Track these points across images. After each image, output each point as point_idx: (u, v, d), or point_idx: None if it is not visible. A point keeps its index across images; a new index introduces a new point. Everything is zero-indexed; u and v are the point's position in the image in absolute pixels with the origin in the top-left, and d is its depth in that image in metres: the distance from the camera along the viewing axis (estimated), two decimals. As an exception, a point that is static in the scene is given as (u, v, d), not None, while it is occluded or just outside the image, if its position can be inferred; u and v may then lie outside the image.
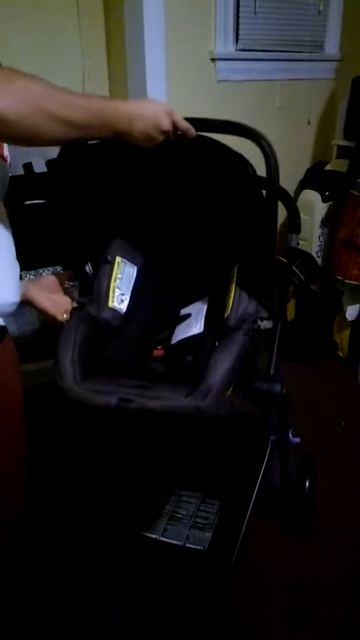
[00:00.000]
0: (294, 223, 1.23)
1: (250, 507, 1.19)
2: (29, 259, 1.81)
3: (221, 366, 0.92)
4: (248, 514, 1.18)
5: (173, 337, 1.18)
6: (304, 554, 1.50)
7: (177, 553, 1.29)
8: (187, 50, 2.15)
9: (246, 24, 2.25)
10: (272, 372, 1.15)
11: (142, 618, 1.24)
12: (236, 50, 2.27)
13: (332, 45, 2.57)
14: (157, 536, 1.33)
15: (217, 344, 1.00)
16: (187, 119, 0.95)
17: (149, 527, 1.35)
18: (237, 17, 2.21)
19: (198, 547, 1.30)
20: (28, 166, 1.81)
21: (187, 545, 1.31)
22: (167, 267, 1.24)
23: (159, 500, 1.42)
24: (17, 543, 1.04)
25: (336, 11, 2.51)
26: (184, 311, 1.23)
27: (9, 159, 0.94)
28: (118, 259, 1.17)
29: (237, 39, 2.25)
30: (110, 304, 1.14)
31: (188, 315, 1.21)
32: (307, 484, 1.50)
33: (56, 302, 1.12)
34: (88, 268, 1.16)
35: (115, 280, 1.16)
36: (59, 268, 1.90)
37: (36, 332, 2.24)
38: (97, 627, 1.22)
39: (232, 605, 1.23)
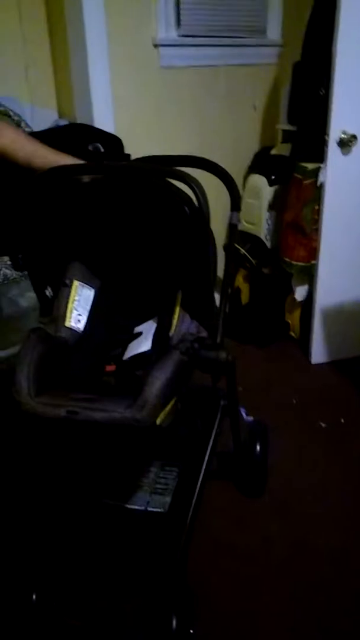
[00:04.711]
0: (234, 201, 1.43)
1: (203, 468, 1.38)
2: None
3: (156, 381, 1.13)
4: (202, 473, 1.37)
5: (125, 354, 1.41)
6: (255, 522, 1.70)
7: (140, 517, 1.48)
8: (129, 37, 2.30)
9: (187, 10, 2.40)
10: (218, 340, 1.34)
11: (109, 582, 1.42)
12: (178, 36, 2.43)
13: (273, 31, 2.78)
14: (121, 503, 1.51)
15: None
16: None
17: (112, 495, 1.53)
18: (178, 3, 2.37)
19: (158, 510, 1.49)
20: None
21: (149, 509, 1.49)
22: (121, 290, 1.46)
23: (121, 470, 1.60)
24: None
25: (276, -4, 2.71)
26: (137, 329, 1.46)
27: None
28: (76, 282, 1.38)
29: (178, 25, 2.41)
30: (67, 324, 1.34)
31: (140, 334, 1.43)
32: (258, 447, 1.71)
33: None
34: (48, 292, 1.35)
35: (72, 302, 1.36)
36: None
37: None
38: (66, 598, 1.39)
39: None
